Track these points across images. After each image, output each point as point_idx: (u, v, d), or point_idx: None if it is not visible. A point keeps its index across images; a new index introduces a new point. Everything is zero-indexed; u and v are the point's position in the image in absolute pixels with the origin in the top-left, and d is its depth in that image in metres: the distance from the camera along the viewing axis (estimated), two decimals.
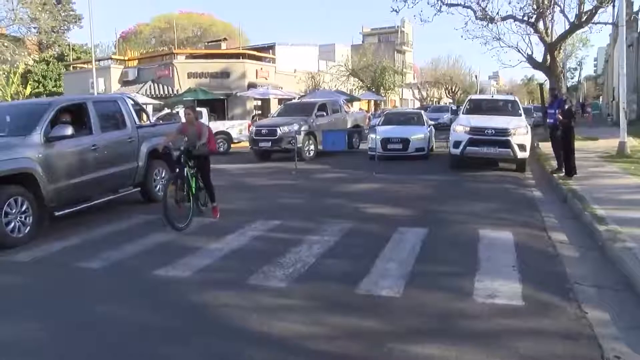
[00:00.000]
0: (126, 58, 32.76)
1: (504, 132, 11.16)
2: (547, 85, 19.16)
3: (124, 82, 28.90)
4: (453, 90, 57.20)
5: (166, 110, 19.93)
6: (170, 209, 6.44)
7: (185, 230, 6.46)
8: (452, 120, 15.16)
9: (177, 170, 6.82)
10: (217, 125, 18.83)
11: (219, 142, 18.51)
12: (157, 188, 8.69)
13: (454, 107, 14.84)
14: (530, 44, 26.52)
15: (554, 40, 19.09)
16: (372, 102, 43.14)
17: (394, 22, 58.44)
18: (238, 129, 18.95)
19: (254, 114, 28.74)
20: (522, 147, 11.12)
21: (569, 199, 7.67)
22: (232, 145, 18.89)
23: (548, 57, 19.28)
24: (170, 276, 4.79)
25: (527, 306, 3.87)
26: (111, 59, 34.75)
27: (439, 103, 54.80)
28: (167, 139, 7.40)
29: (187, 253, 5.47)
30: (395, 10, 18.70)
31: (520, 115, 12.46)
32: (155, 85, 27.83)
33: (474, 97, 15.08)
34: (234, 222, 6.91)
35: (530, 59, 20.59)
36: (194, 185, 6.94)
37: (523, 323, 3.59)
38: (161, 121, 16.69)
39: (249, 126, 18.54)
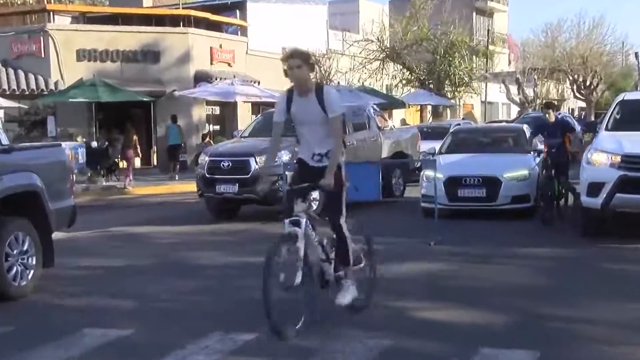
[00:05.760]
0: None
1: None
2: None
3: None
4: (587, 83, 57.04)
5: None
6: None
7: (71, 353, 6.51)
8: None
9: None
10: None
11: None
12: (14, 272, 8.59)
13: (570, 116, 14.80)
14: None
15: None
16: (429, 108, 43.16)
17: None
18: None
19: (205, 131, 29.08)
20: None
21: None
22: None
23: None
24: None
25: None
26: None
27: (558, 110, 54.74)
28: None
29: None
30: None
31: None
32: (12, 71, 28.16)
33: (630, 96, 14.99)
34: (166, 337, 6.95)
35: None
36: None
37: None
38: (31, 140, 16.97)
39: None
